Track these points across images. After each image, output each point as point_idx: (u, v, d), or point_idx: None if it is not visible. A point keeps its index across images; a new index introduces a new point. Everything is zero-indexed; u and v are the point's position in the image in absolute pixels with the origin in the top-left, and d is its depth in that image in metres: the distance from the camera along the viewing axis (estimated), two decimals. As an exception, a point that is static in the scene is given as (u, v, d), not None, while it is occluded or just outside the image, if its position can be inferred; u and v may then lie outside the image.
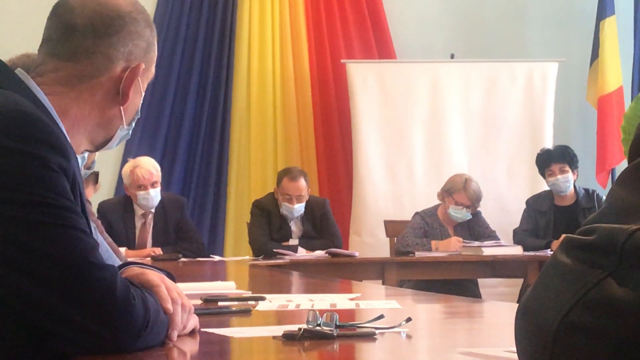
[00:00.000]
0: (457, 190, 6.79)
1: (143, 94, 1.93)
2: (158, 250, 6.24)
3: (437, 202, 6.91)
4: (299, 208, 6.73)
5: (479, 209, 6.94)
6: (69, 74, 1.84)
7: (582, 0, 8.29)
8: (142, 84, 1.91)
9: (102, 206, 6.59)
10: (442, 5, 8.34)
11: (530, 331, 1.24)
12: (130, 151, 7.21)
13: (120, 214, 6.53)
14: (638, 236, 1.16)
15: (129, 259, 2.68)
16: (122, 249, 6.04)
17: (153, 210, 6.55)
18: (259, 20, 8.09)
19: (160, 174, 6.56)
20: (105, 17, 1.86)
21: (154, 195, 6.45)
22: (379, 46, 8.22)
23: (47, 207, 1.59)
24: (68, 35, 1.85)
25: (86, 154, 2.00)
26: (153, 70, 1.95)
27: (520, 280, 6.69)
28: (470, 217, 6.83)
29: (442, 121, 7.84)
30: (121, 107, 1.88)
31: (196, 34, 8.07)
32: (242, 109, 8.06)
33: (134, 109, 1.92)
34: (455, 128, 7.86)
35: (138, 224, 6.56)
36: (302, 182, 6.73)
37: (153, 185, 6.45)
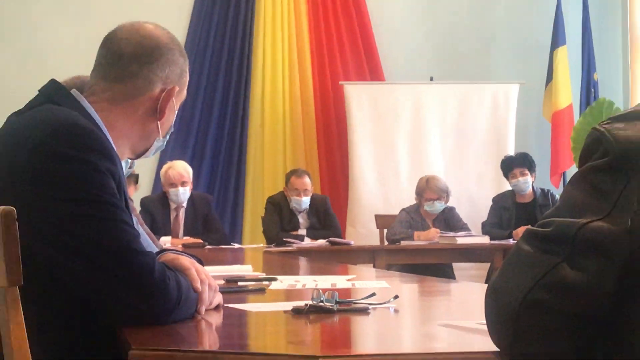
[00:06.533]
0: (423, 189, 6.84)
1: (176, 111, 1.94)
2: (194, 240, 6.24)
3: (419, 200, 6.95)
4: (306, 200, 6.75)
5: (452, 205, 6.96)
6: (116, 94, 1.85)
7: (539, 32, 8.29)
8: (176, 103, 1.91)
9: (144, 201, 6.61)
10: (423, 35, 8.34)
11: (497, 308, 1.25)
12: (165, 157, 7.21)
13: (159, 207, 6.54)
14: (586, 229, 1.16)
15: (168, 247, 2.68)
16: (168, 238, 6.08)
17: (184, 205, 6.56)
18: (271, 49, 8.10)
19: (190, 175, 6.55)
20: (147, 47, 1.86)
21: (183, 192, 6.45)
22: (370, 70, 8.22)
23: (99, 204, 1.60)
24: (116, 62, 1.85)
25: (127, 161, 2.00)
26: (185, 92, 1.95)
27: (488, 264, 6.70)
28: (444, 206, 6.84)
29: (423, 133, 7.85)
30: (158, 122, 1.89)
31: (219, 60, 8.08)
32: (257, 123, 8.07)
33: (169, 124, 1.93)
34: (434, 139, 7.86)
35: (172, 216, 6.56)
36: (306, 178, 6.79)
37: (183, 184, 6.46)
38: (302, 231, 6.75)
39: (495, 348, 1.24)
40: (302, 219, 6.84)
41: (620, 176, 1.16)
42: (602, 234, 1.15)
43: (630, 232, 1.14)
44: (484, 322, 1.28)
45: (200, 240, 6.18)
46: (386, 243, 6.78)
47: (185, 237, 6.38)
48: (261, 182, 8.00)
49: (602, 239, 1.15)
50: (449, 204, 6.95)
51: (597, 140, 1.20)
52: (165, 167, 6.63)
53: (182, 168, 6.52)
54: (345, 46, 8.21)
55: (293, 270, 3.45)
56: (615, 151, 1.17)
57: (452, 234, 6.58)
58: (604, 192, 1.17)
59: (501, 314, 1.23)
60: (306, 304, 1.70)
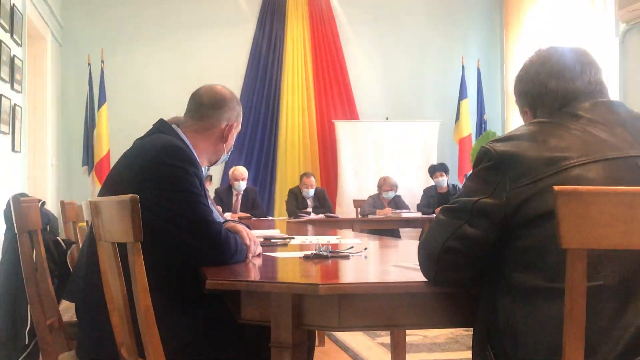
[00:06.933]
0: (382, 184, 6.87)
1: (234, 138, 1.93)
2: (246, 214, 6.25)
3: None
4: (312, 191, 6.78)
5: (399, 194, 6.97)
6: (199, 127, 1.85)
7: (451, 89, 8.25)
8: (234, 133, 1.90)
9: (217, 191, 6.64)
10: (382, 89, 8.30)
11: (426, 253, 1.25)
12: (228, 164, 7.22)
13: (225, 194, 6.56)
14: (478, 203, 1.17)
15: (229, 218, 2.67)
16: (229, 213, 6.07)
17: (241, 192, 6.57)
18: (291, 98, 8.06)
19: (246, 174, 6.61)
20: (217, 100, 1.86)
21: (242, 184, 6.48)
22: (350, 112, 8.19)
23: (188, 193, 1.60)
24: (199, 108, 1.86)
25: (206, 167, 2.01)
26: (240, 126, 1.95)
27: (420, 229, 6.70)
28: (394, 194, 6.86)
29: (382, 151, 7.84)
30: (224, 145, 1.88)
31: (260, 106, 8.06)
32: (283, 144, 8.05)
33: (230, 146, 1.92)
34: (388, 157, 7.85)
35: (234, 200, 6.58)
36: (312, 178, 6.81)
37: (242, 179, 6.49)
38: (310, 209, 6.76)
39: (425, 279, 1.24)
40: (309, 202, 6.84)
41: (498, 173, 1.17)
42: (488, 206, 1.16)
43: (505, 205, 1.15)
44: (418, 263, 1.28)
45: (249, 215, 6.19)
46: (360, 216, 6.78)
47: (240, 213, 6.38)
48: (285, 180, 7.99)
49: (487, 209, 1.16)
50: (397, 193, 6.95)
51: (484, 153, 1.21)
52: (231, 169, 6.67)
53: (242, 169, 6.59)
54: (335, 96, 8.18)
55: (304, 233, 3.45)
56: (494, 158, 1.18)
57: (399, 211, 6.59)
58: (488, 182, 1.18)
59: (428, 257, 1.23)
60: (312, 253, 1.70)
